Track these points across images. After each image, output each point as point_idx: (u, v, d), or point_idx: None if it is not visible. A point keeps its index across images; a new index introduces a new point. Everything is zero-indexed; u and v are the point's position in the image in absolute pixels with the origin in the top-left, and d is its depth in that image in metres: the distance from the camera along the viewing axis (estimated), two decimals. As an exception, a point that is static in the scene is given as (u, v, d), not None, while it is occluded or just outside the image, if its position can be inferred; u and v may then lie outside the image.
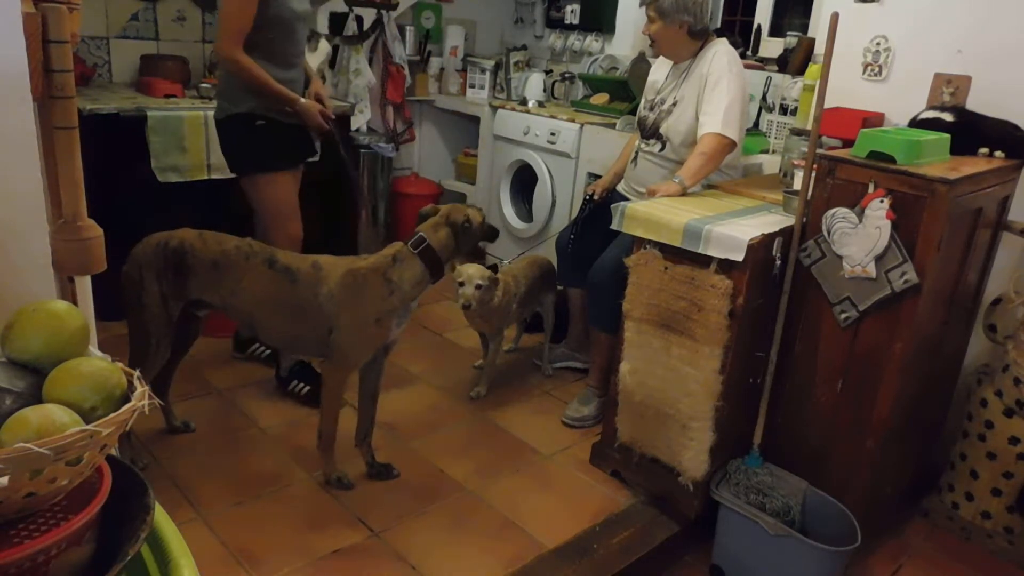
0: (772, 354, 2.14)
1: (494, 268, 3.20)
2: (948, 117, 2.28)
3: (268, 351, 2.89)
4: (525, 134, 3.87)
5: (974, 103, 2.40)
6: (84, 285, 1.23)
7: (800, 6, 3.58)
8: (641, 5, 2.58)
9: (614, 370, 2.33)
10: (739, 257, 1.96)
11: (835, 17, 1.97)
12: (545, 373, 3.15)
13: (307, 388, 2.73)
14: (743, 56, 3.04)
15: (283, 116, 2.56)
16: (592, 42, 4.30)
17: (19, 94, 1.05)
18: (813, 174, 2.06)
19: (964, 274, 2.24)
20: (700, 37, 2.55)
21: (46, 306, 0.89)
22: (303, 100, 2.56)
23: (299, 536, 2.05)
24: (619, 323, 2.28)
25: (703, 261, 2.04)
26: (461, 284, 2.63)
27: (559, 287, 3.11)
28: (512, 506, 2.27)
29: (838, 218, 1.99)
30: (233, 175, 2.73)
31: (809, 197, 2.08)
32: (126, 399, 0.83)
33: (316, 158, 3.40)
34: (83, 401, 0.80)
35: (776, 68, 3.41)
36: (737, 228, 2.02)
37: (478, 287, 2.62)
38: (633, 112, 3.36)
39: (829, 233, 2.01)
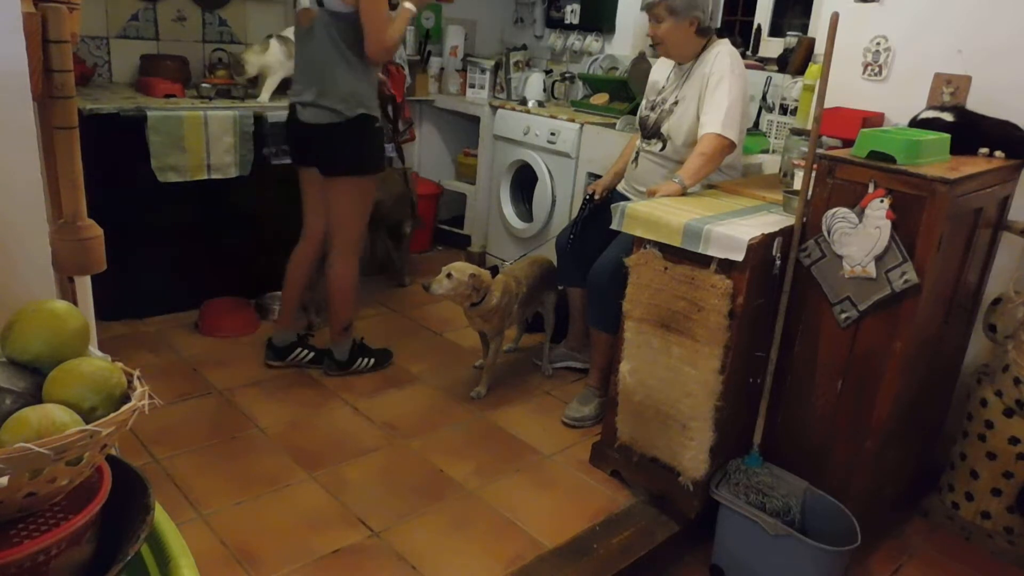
0: (772, 354, 2.14)
1: (494, 270, 3.20)
2: (948, 117, 2.28)
3: (312, 354, 2.97)
4: (525, 134, 3.87)
5: (974, 103, 2.40)
6: (84, 285, 1.24)
7: (800, 6, 3.58)
8: (643, 9, 2.57)
9: (614, 370, 2.33)
10: (739, 257, 1.96)
11: (835, 17, 1.97)
12: (545, 373, 3.15)
13: (311, 354, 2.97)
14: (743, 56, 3.03)
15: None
16: (592, 42, 4.30)
17: (19, 94, 1.06)
18: (813, 174, 2.06)
19: (964, 274, 2.24)
20: (706, 35, 2.55)
21: (46, 306, 0.89)
22: None
23: (299, 536, 2.06)
24: (619, 323, 2.28)
25: (703, 261, 2.04)
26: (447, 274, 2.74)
27: (559, 287, 3.11)
28: (512, 506, 2.27)
29: (838, 218, 1.99)
30: (331, 175, 2.69)
31: (809, 197, 2.08)
32: (126, 399, 0.83)
33: None
34: (83, 401, 0.80)
35: (776, 68, 3.41)
36: (737, 228, 2.02)
37: (448, 276, 2.70)
38: (633, 112, 3.36)
39: (829, 233, 2.01)
